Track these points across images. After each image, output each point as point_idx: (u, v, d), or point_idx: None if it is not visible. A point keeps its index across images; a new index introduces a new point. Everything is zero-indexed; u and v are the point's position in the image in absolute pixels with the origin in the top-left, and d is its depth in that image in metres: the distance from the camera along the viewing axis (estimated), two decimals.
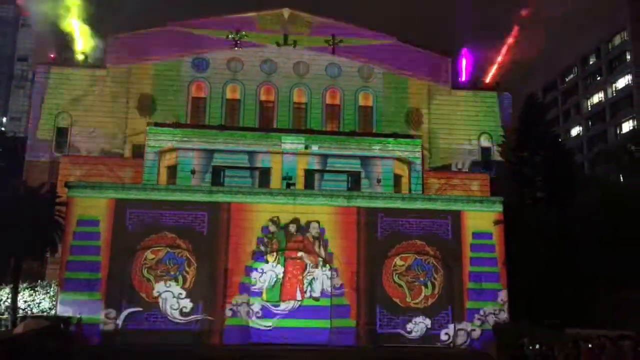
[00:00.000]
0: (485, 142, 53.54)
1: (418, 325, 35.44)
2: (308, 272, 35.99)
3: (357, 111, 53.92)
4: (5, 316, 35.43)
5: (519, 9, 56.51)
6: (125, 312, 33.98)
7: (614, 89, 78.94)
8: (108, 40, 52.49)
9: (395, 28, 77.14)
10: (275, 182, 41.64)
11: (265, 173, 42.29)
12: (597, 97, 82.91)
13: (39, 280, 38.58)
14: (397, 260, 36.40)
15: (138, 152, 47.93)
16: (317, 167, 42.98)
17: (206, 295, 34.79)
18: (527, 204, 38.44)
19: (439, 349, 34.59)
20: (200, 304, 34.68)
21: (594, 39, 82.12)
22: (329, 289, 35.75)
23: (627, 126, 74.71)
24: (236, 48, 53.43)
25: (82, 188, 35.84)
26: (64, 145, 50.07)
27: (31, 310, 36.08)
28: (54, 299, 35.50)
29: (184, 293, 34.72)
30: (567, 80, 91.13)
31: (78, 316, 32.88)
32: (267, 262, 35.75)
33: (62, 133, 50.49)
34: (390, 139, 45.13)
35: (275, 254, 35.86)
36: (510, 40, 56.09)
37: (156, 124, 45.09)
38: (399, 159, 44.01)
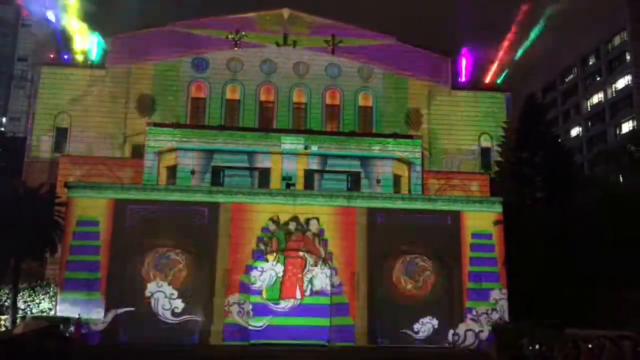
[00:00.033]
0: (485, 143, 53.58)
1: (425, 326, 35.48)
2: (307, 270, 36.00)
3: (356, 111, 53.93)
4: (5, 316, 35.42)
5: (517, 9, 56.44)
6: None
7: (613, 89, 78.93)
8: (108, 40, 52.49)
9: (395, 28, 77.11)
10: (275, 182, 41.62)
11: (264, 173, 42.26)
12: (596, 98, 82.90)
13: (39, 281, 38.55)
14: (397, 261, 36.38)
15: (138, 152, 47.91)
16: (316, 167, 42.94)
17: (206, 295, 34.78)
18: (527, 204, 38.45)
19: (439, 349, 34.54)
20: (200, 304, 34.68)
21: (593, 39, 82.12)
22: (328, 287, 35.76)
23: (626, 127, 74.68)
24: (236, 48, 53.43)
25: (81, 188, 35.86)
26: (64, 146, 50.08)
27: (31, 310, 36.07)
28: (53, 299, 35.48)
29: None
30: (566, 80, 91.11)
31: (77, 316, 32.87)
32: (267, 260, 35.74)
33: (61, 133, 50.50)
34: (390, 140, 45.11)
35: (275, 252, 35.85)
36: (508, 40, 56.14)
37: (156, 124, 45.07)
38: (399, 159, 44.00)
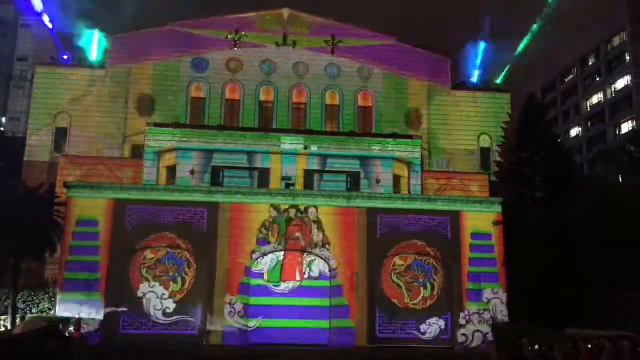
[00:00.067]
0: (484, 143, 53.60)
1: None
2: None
3: (356, 111, 53.94)
4: (4, 316, 35.41)
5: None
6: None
7: (613, 89, 78.94)
8: (108, 39, 52.47)
9: (395, 28, 77.19)
10: (275, 182, 41.62)
11: (264, 173, 42.26)
12: (596, 98, 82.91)
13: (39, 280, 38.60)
14: (397, 261, 36.41)
15: (137, 152, 47.92)
16: (316, 167, 42.94)
17: (205, 295, 34.78)
18: (526, 204, 38.45)
19: (439, 349, 34.51)
20: (200, 304, 34.66)
21: (593, 39, 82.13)
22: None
23: (626, 127, 74.69)
24: (236, 48, 53.43)
25: (81, 188, 35.82)
26: (63, 146, 50.08)
27: (30, 310, 36.06)
28: (53, 299, 35.46)
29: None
30: (566, 80, 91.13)
31: (77, 316, 32.85)
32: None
33: (61, 133, 50.51)
34: (390, 140, 45.12)
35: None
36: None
37: (156, 125, 45.05)
38: (399, 160, 43.99)
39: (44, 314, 35.17)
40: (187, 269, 35.21)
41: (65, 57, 52.58)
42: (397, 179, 43.62)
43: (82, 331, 32.46)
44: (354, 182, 42.78)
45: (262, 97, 53.35)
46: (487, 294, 35.70)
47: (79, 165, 45.38)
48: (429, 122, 53.74)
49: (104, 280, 34.15)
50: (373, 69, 54.35)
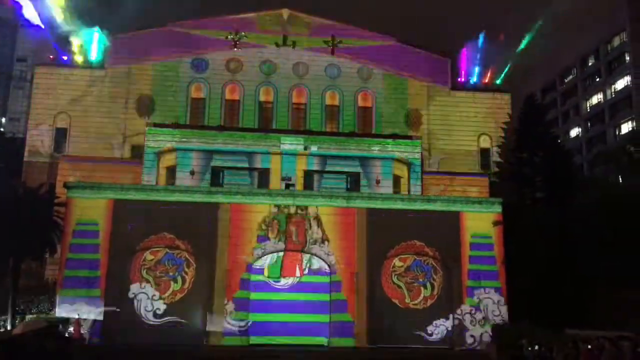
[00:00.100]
0: (484, 143, 53.62)
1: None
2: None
3: (356, 112, 53.97)
4: (4, 317, 35.40)
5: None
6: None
7: (613, 90, 78.96)
8: (107, 40, 52.48)
9: (395, 28, 77.15)
10: (275, 182, 41.63)
11: (264, 174, 42.28)
12: (596, 98, 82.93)
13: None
14: (396, 261, 36.39)
15: (137, 152, 47.93)
16: (316, 167, 42.97)
17: (205, 295, 34.77)
18: (526, 204, 38.44)
19: (439, 349, 34.53)
20: (199, 304, 34.65)
21: (593, 39, 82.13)
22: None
23: (626, 127, 74.70)
24: (235, 49, 53.46)
25: (81, 189, 35.77)
26: (63, 146, 50.08)
27: (30, 310, 36.04)
28: (53, 299, 35.44)
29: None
30: (566, 81, 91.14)
31: (77, 316, 32.86)
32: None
33: (61, 133, 50.51)
34: (390, 140, 45.14)
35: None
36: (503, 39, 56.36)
37: (155, 125, 45.07)
38: (398, 160, 44.01)
39: (44, 314, 35.14)
40: (186, 270, 35.17)
41: (65, 57, 52.52)
42: (396, 179, 43.65)
43: (81, 331, 32.48)
44: (353, 182, 42.81)
45: (262, 98, 53.38)
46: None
47: (79, 165, 45.36)
48: (429, 122, 53.78)
49: (104, 280, 34.12)
50: (373, 70, 54.38)
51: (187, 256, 35.31)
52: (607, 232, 34.57)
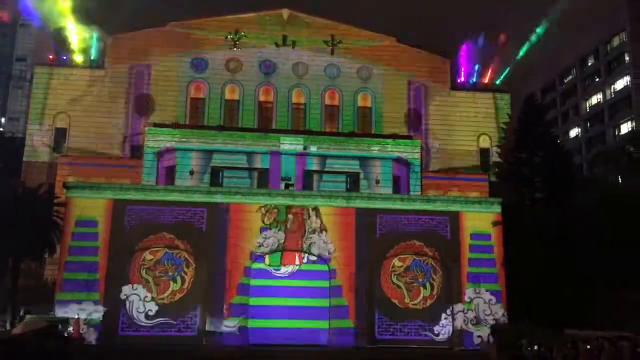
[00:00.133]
0: (484, 143, 53.62)
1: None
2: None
3: (356, 112, 53.97)
4: (4, 317, 35.40)
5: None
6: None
7: (612, 90, 78.90)
8: (107, 40, 52.48)
9: (395, 28, 77.14)
10: (274, 182, 41.61)
11: (263, 174, 42.28)
12: (595, 99, 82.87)
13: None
14: (396, 261, 36.40)
15: (137, 152, 47.93)
16: (315, 167, 42.98)
17: (204, 295, 34.77)
18: (526, 204, 38.45)
19: (439, 349, 34.53)
20: (199, 304, 34.65)
21: (593, 39, 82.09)
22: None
23: (625, 127, 74.64)
24: (235, 49, 53.45)
25: (80, 189, 35.76)
26: (63, 146, 50.06)
27: (29, 311, 35.99)
28: (52, 299, 35.42)
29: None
30: (565, 81, 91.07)
31: (77, 316, 32.84)
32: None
33: (60, 133, 50.49)
34: (389, 140, 45.14)
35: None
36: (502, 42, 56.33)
37: (155, 125, 45.09)
38: (398, 160, 44.01)
39: (43, 314, 35.10)
40: (185, 270, 35.18)
41: (65, 57, 52.50)
42: (396, 179, 43.62)
43: (81, 331, 32.47)
44: (353, 182, 42.81)
45: (262, 98, 53.38)
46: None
47: (78, 165, 45.36)
48: (429, 122, 53.76)
49: (103, 280, 34.11)
50: (372, 69, 54.38)
51: (186, 256, 35.31)
52: (607, 232, 34.58)
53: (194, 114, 52.33)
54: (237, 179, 41.64)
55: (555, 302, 33.89)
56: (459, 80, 56.10)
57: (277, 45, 53.79)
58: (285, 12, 54.49)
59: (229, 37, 53.37)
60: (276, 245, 36.03)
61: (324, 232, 36.16)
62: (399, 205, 37.24)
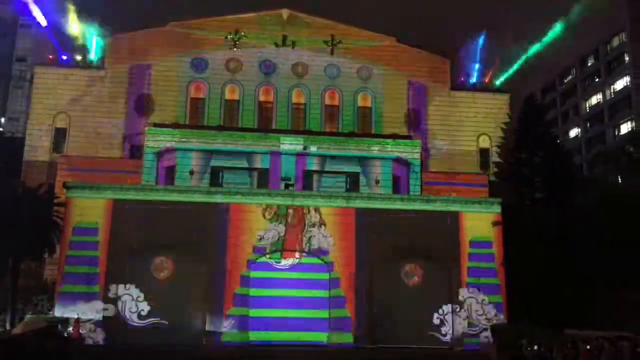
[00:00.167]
0: (484, 143, 53.60)
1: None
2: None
3: (356, 112, 53.95)
4: (3, 317, 35.40)
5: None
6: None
7: (612, 90, 78.89)
8: (107, 39, 52.44)
9: (395, 28, 77.03)
10: (274, 183, 41.61)
11: (263, 174, 42.29)
12: (595, 99, 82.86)
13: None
14: (395, 261, 36.37)
15: (137, 152, 47.91)
16: (315, 168, 43.00)
17: (204, 295, 34.77)
18: (526, 204, 38.46)
19: (439, 349, 34.55)
20: (198, 304, 34.64)
21: (593, 39, 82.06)
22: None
23: (625, 127, 74.64)
24: (235, 49, 53.41)
25: (80, 189, 35.78)
26: (63, 146, 50.04)
27: (29, 310, 36.01)
28: (52, 299, 35.43)
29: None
30: (565, 81, 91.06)
31: (77, 316, 32.84)
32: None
33: (60, 133, 50.46)
34: (389, 140, 45.15)
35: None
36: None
37: (155, 125, 45.09)
38: (398, 160, 44.01)
39: (43, 314, 35.14)
40: (185, 270, 35.15)
41: (65, 57, 52.48)
42: (396, 179, 43.63)
43: (81, 331, 32.47)
44: (353, 182, 42.82)
45: (262, 98, 53.36)
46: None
47: (78, 165, 45.30)
48: (429, 122, 53.75)
49: (103, 280, 34.10)
50: (372, 70, 54.36)
51: (186, 256, 35.28)
52: (607, 232, 34.56)
53: (194, 114, 52.30)
54: (237, 179, 41.63)
55: (555, 302, 33.89)
56: (459, 80, 56.02)
57: (277, 45, 53.77)
58: (285, 12, 54.45)
59: (229, 37, 53.33)
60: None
61: (322, 227, 36.27)
62: (398, 205, 37.27)
